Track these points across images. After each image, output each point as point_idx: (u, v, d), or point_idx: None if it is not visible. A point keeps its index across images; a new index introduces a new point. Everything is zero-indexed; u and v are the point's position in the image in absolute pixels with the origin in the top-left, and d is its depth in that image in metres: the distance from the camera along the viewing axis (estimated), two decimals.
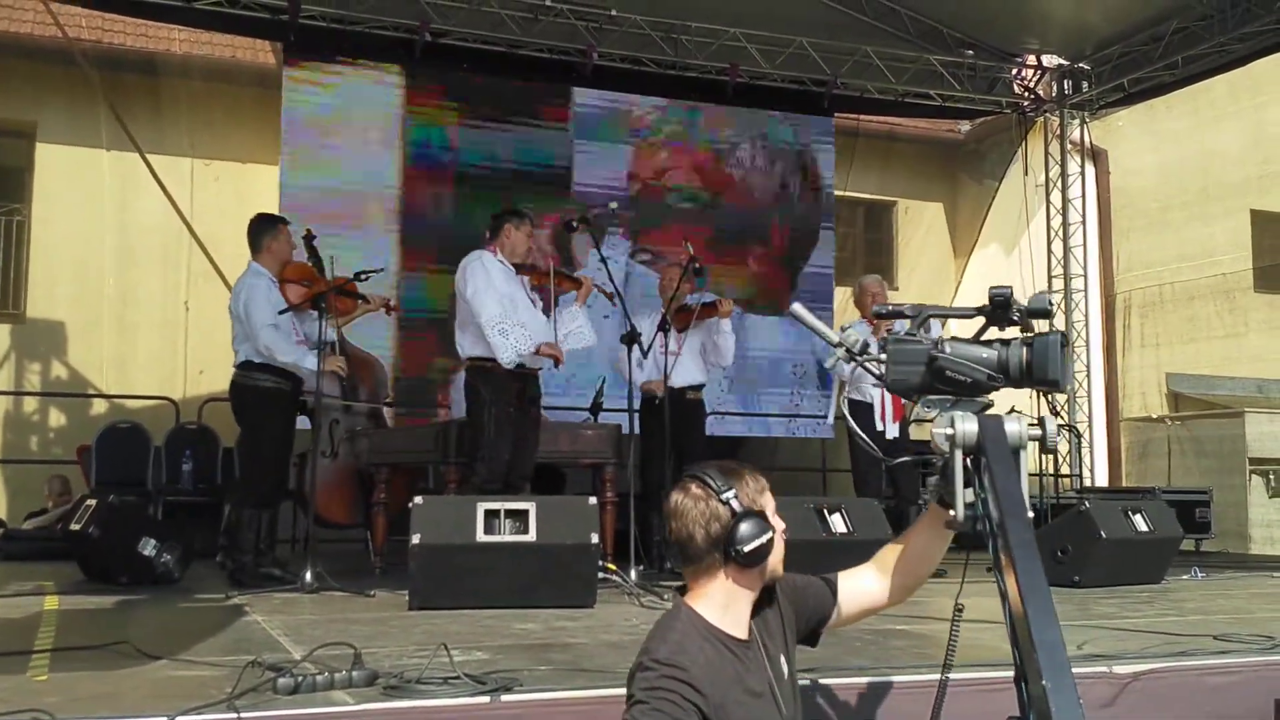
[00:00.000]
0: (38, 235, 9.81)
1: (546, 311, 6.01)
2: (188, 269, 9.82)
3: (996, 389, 2.02)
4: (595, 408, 7.32)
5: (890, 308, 2.18)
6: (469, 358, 5.84)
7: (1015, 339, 2.03)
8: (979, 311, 2.06)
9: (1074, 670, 1.69)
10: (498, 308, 5.64)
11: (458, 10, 9.50)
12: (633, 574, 5.48)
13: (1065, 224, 11.78)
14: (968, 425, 1.95)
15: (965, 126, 12.86)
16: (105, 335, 9.76)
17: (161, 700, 2.57)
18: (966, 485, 1.96)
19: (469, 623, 4.21)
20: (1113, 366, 12.65)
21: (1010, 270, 11.56)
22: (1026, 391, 2.14)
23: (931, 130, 12.83)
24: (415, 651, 3.37)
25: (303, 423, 6.13)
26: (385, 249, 9.22)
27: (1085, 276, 11.84)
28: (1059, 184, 11.82)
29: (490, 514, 4.65)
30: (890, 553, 2.34)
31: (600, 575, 4.99)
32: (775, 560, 2.15)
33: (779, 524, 2.16)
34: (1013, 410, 2.03)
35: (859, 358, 2.14)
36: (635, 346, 6.24)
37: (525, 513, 4.68)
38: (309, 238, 6.90)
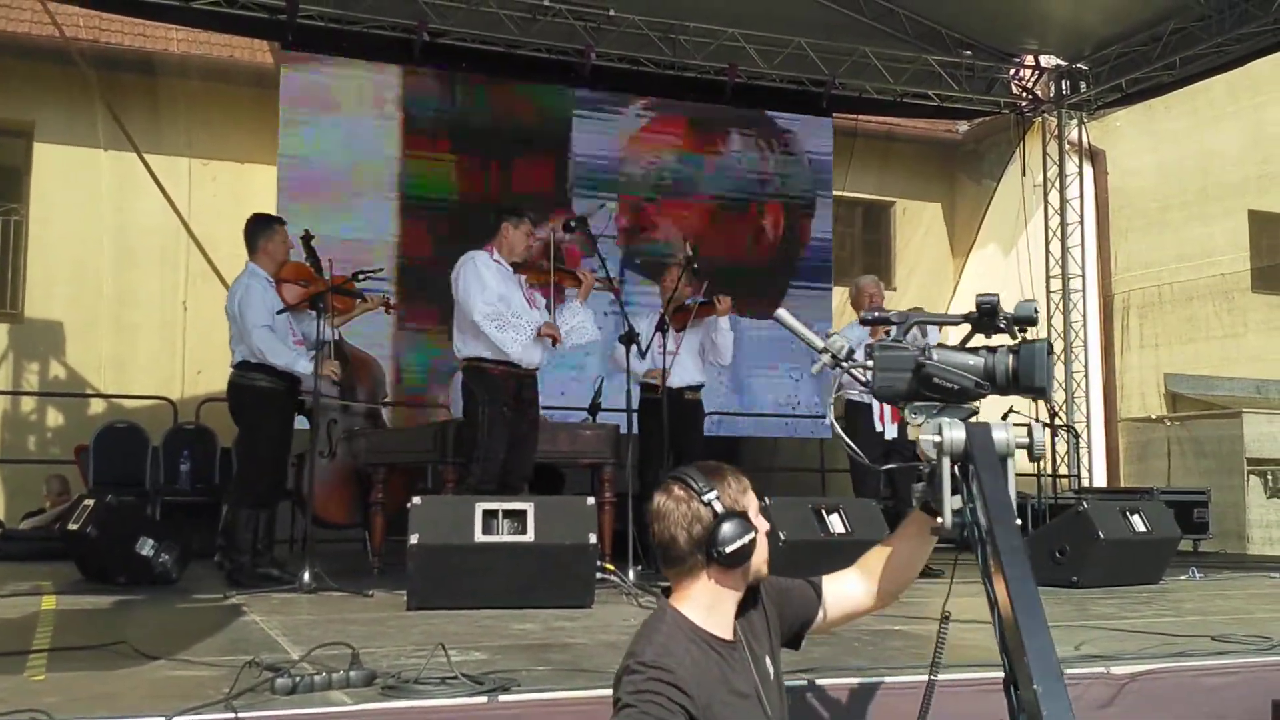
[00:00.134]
0: (35, 235, 9.80)
1: (549, 309, 6.01)
2: (185, 269, 9.82)
3: (984, 396, 2.02)
4: (594, 408, 7.33)
5: (877, 314, 2.18)
6: (465, 358, 5.84)
7: (1002, 346, 2.03)
8: (966, 318, 2.06)
9: (1071, 671, 1.70)
10: (488, 306, 5.65)
11: (456, 10, 9.50)
12: (631, 574, 5.48)
13: (1063, 224, 11.78)
14: (955, 432, 1.96)
15: (963, 127, 12.86)
16: (103, 335, 9.75)
17: (159, 700, 2.58)
18: (954, 492, 1.97)
19: (467, 623, 4.20)
20: (1111, 367, 12.64)
21: (1008, 271, 11.57)
22: None
23: (930, 130, 12.83)
24: (413, 651, 3.37)
25: (301, 423, 6.13)
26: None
27: (1083, 277, 11.84)
28: (1057, 184, 11.82)
29: (488, 514, 4.64)
30: (875, 557, 2.35)
31: (598, 575, 4.99)
32: (759, 561, 2.15)
33: (762, 524, 2.15)
34: (1010, 412, 2.04)
35: (844, 364, 2.13)
36: (634, 346, 6.24)
37: (523, 513, 4.68)
38: (306, 238, 6.90)
